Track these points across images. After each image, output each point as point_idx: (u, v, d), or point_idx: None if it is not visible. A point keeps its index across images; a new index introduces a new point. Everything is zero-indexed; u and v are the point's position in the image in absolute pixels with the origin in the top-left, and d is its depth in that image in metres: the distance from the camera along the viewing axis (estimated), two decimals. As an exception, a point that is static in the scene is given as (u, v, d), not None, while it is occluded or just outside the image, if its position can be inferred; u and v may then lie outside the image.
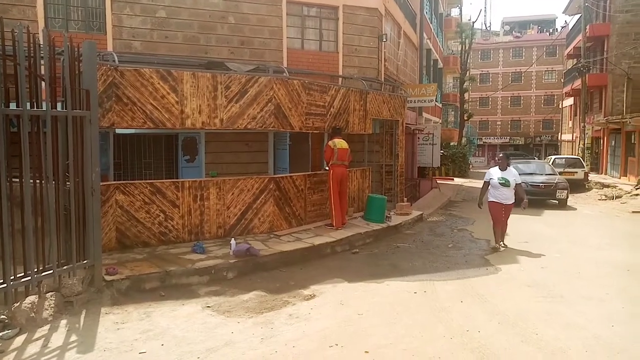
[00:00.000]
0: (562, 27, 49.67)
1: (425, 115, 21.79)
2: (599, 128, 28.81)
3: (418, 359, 4.21)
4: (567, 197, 15.38)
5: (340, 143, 9.53)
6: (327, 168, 10.02)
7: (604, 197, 18.10)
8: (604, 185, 21.34)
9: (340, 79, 12.61)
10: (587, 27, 27.53)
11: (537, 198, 14.81)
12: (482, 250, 8.80)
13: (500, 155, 9.26)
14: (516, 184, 8.69)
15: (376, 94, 11.96)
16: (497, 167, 8.90)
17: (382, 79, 13.90)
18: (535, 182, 15.42)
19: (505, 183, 8.59)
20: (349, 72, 12.83)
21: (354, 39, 13.06)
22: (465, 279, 6.84)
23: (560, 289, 6.34)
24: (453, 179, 25.79)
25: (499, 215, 8.72)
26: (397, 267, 7.53)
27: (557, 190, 15.22)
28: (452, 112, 36.92)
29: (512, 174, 8.75)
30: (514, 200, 8.77)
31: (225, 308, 5.45)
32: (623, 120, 22.95)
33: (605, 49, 27.89)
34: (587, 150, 28.95)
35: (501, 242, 8.83)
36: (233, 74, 8.52)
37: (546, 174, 16.50)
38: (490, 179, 8.82)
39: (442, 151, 24.58)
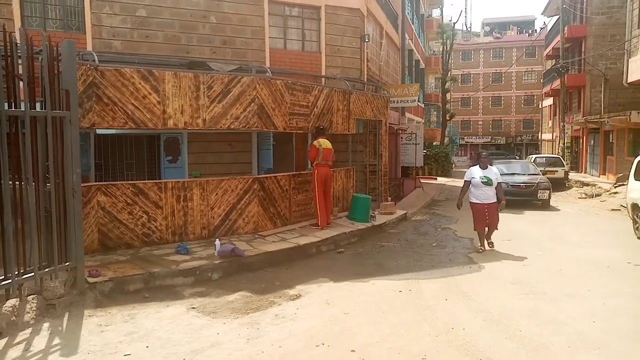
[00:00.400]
0: (541, 28, 50.44)
1: (408, 115, 21.93)
2: (578, 127, 29.32)
3: (404, 357, 4.23)
4: (550, 197, 15.07)
5: (324, 143, 9.54)
6: (311, 167, 10.01)
7: (584, 196, 18.42)
8: (583, 184, 21.72)
9: (323, 79, 12.61)
10: (565, 28, 27.99)
11: (517, 199, 14.56)
12: (465, 248, 8.88)
13: (483, 153, 8.98)
14: (498, 182, 8.54)
15: (359, 94, 11.99)
16: (478, 165, 8.68)
17: (365, 79, 13.95)
18: (516, 183, 15.04)
19: (487, 182, 8.37)
20: (331, 73, 12.84)
21: (337, 39, 13.08)
22: (450, 277, 6.89)
23: (543, 286, 6.43)
24: (436, 179, 26.00)
25: (482, 216, 8.48)
26: (382, 266, 7.56)
27: (539, 191, 14.84)
28: (435, 112, 37.23)
29: (494, 172, 8.56)
30: (496, 200, 8.54)
31: (210, 309, 5.41)
32: (601, 120, 23.39)
33: (583, 50, 28.38)
34: (567, 150, 29.44)
35: (488, 243, 8.62)
36: (215, 74, 8.47)
37: (529, 174, 16.03)
38: (472, 178, 8.54)
39: (425, 151, 24.76)
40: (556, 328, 4.93)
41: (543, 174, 17.38)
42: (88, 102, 6.95)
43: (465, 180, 8.75)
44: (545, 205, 14.98)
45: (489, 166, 8.63)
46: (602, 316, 5.30)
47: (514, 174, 16.00)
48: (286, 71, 11.76)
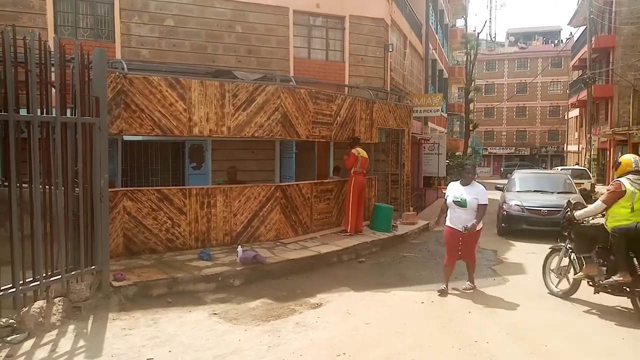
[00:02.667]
0: (567, 39, 49.84)
1: (430, 125, 21.80)
2: (605, 139, 28.74)
3: (427, 369, 4.18)
4: None
5: (362, 152, 9.83)
6: (332, 176, 10.04)
7: (610, 209, 17.93)
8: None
9: (346, 88, 12.64)
10: (593, 38, 27.57)
11: (535, 229, 10.83)
12: (489, 260, 8.75)
13: (468, 166, 7.07)
14: (479, 204, 6.39)
15: (382, 104, 11.98)
16: (459, 181, 6.77)
17: (388, 89, 13.93)
18: (534, 206, 11.05)
19: (461, 202, 6.42)
20: (355, 82, 12.86)
21: (361, 49, 13.11)
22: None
23: (570, 299, 6.29)
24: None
25: (454, 245, 6.55)
26: (404, 276, 7.50)
27: None
28: (458, 122, 36.91)
29: (475, 191, 6.47)
30: (479, 227, 6.52)
31: (232, 315, 5.43)
32: (629, 131, 22.89)
33: (610, 61, 27.91)
34: (594, 162, 28.86)
35: (467, 284, 6.65)
36: (240, 83, 8.57)
37: (558, 193, 12.01)
38: (448, 195, 6.67)
39: (447, 161, 24.57)
40: (584, 344, 4.81)
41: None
42: (117, 109, 7.09)
43: (445, 198, 6.83)
44: None
45: (474, 182, 6.64)
46: (633, 332, 5.15)
47: (537, 191, 12.25)
48: (310, 80, 11.81)
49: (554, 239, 9.42)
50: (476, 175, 6.76)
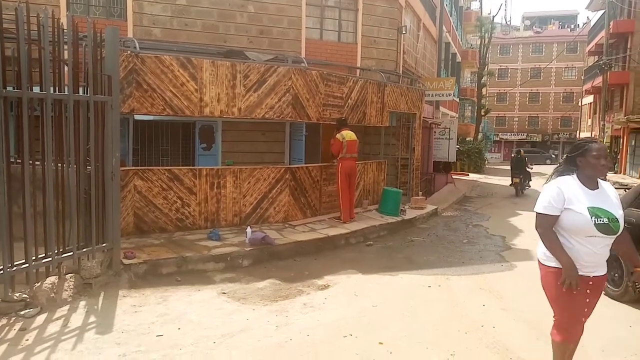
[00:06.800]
0: (584, 24, 48.95)
1: (442, 109, 21.62)
2: (619, 127, 28.38)
3: (433, 352, 4.20)
4: None
5: (348, 135, 9.22)
6: (334, 162, 9.89)
7: (622, 197, 17.76)
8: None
9: (358, 70, 12.54)
10: (611, 23, 27.02)
11: None
12: (497, 246, 8.74)
13: (591, 144, 3.25)
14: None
15: (394, 87, 11.88)
16: (574, 175, 3.26)
17: (401, 72, 13.79)
18: None
19: (612, 227, 3.13)
20: (367, 64, 12.74)
21: (373, 31, 12.95)
22: (480, 274, 6.81)
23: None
24: (468, 175, 25.61)
25: (579, 303, 3.35)
26: (412, 260, 7.52)
27: None
28: (469, 107, 36.59)
29: (613, 198, 3.24)
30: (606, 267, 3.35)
31: (240, 295, 5.49)
32: (644, 119, 22.55)
33: (628, 46, 27.39)
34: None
35: None
36: (252, 63, 8.53)
37: None
38: (567, 208, 3.17)
39: (458, 146, 24.41)
40: (590, 331, 4.75)
41: None
42: (128, 87, 7.11)
43: (546, 214, 3.29)
44: None
45: (599, 183, 3.28)
46: (639, 321, 5.15)
47: None
48: (321, 62, 11.72)
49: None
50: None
